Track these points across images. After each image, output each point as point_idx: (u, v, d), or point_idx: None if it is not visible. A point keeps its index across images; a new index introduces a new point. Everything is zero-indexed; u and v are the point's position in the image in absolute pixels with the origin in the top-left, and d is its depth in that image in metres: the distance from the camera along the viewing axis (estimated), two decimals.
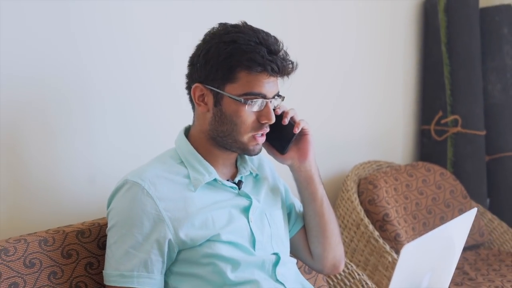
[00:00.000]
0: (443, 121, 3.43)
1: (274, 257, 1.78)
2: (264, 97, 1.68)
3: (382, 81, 3.41)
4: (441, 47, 3.40)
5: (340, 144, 3.17)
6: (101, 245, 1.80)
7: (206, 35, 1.74)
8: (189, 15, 2.38)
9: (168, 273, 1.70)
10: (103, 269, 1.70)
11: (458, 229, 1.65)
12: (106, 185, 1.97)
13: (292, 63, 1.71)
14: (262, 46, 1.65)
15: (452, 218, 3.03)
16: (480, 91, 3.42)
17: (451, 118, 3.40)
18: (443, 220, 3.07)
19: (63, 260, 1.73)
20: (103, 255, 1.73)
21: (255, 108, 1.69)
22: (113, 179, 1.80)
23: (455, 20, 3.36)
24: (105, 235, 1.74)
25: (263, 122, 1.71)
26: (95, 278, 1.77)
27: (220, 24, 1.74)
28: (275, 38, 1.71)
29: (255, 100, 1.68)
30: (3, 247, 1.64)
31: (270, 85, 1.69)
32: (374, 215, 2.82)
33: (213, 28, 1.74)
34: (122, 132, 2.21)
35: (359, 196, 2.88)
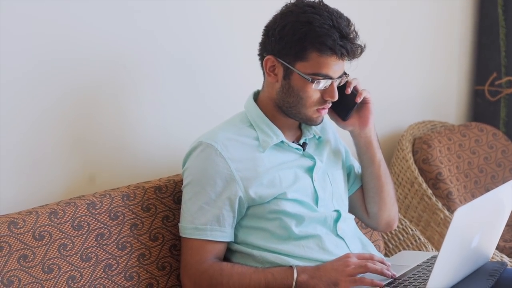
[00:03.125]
0: (497, 82, 3.50)
1: (335, 213, 1.93)
2: (330, 77, 1.80)
3: (437, 42, 3.48)
4: (498, 9, 3.44)
5: (395, 104, 3.26)
6: (177, 200, 1.95)
7: (284, 8, 1.84)
8: None
9: (237, 227, 1.86)
10: (178, 222, 1.87)
11: (508, 194, 1.77)
12: (178, 146, 2.13)
13: (361, 47, 1.82)
14: (335, 29, 1.75)
15: (503, 177, 3.15)
16: None
17: (505, 79, 3.47)
18: (494, 179, 3.17)
19: (143, 213, 1.90)
20: (179, 209, 1.89)
21: (321, 86, 1.81)
22: (184, 141, 1.98)
23: None
24: (180, 191, 1.90)
25: (326, 99, 1.83)
26: (171, 230, 1.94)
27: (298, 0, 1.84)
28: (347, 20, 1.81)
29: (322, 80, 1.80)
30: (91, 201, 1.82)
31: (337, 66, 1.80)
32: (427, 174, 2.94)
33: (290, 3, 1.84)
34: (191, 96, 2.34)
35: (413, 155, 2.99)
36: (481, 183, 3.13)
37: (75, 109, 2.03)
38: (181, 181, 1.91)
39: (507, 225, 2.95)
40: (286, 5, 1.85)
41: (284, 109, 1.87)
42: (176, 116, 2.30)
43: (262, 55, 1.88)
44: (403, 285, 1.74)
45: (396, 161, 3.00)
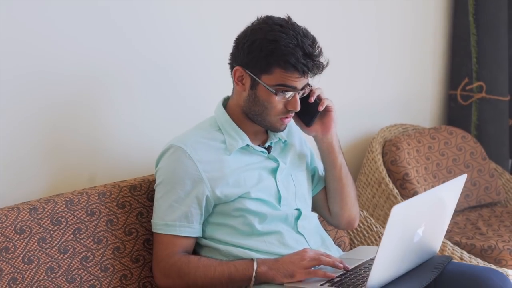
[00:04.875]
0: (468, 87, 3.67)
1: (296, 212, 2.09)
2: (293, 90, 1.96)
3: (413, 48, 3.64)
4: (469, 18, 3.61)
5: (370, 107, 3.41)
6: (150, 197, 2.11)
7: (255, 23, 2.00)
8: None
9: (205, 223, 2.02)
10: (151, 218, 2.03)
11: (449, 192, 1.93)
12: (152, 147, 2.28)
13: (323, 65, 1.97)
14: (299, 48, 1.90)
15: (471, 177, 3.32)
16: (505, 59, 3.64)
17: (476, 84, 3.64)
18: None
19: (118, 210, 2.06)
20: (152, 206, 2.05)
21: (284, 98, 1.97)
22: (158, 142, 2.14)
23: None
24: (154, 189, 2.06)
25: (289, 109, 1.99)
26: (145, 225, 2.10)
27: (267, 17, 1.99)
28: (313, 39, 1.96)
29: (285, 92, 1.96)
30: (69, 199, 1.98)
31: (300, 80, 1.96)
32: (395, 174, 3.11)
33: (261, 19, 2.00)
34: (164, 100, 2.50)
35: (383, 157, 3.15)
36: None
37: (55, 115, 2.19)
38: (155, 180, 2.06)
39: (471, 223, 3.15)
40: (257, 20, 2.01)
41: (250, 116, 2.04)
42: (150, 119, 2.46)
43: (232, 65, 2.04)
44: (353, 276, 1.90)
45: (366, 162, 3.17)
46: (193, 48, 2.58)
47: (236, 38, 2.03)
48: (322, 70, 1.99)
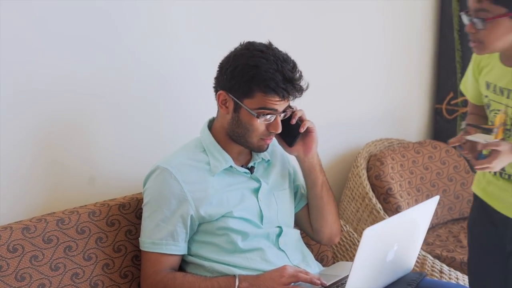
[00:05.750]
0: (453, 102, 3.77)
1: (277, 229, 2.19)
2: (274, 113, 2.06)
3: (398, 63, 3.71)
4: (454, 33, 3.71)
5: (356, 122, 3.50)
6: (139, 215, 2.21)
7: (237, 48, 2.10)
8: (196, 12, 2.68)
9: (190, 241, 2.12)
10: (139, 235, 2.12)
11: (421, 213, 2.03)
12: (142, 167, 2.35)
13: (303, 89, 2.06)
14: (279, 73, 2.00)
15: (454, 191, 3.41)
16: None
17: (461, 99, 3.72)
18: (445, 192, 3.43)
19: (107, 228, 2.16)
20: (140, 223, 2.15)
21: (266, 120, 2.07)
22: (147, 162, 2.23)
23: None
24: (142, 208, 2.16)
25: (271, 131, 2.09)
26: (133, 242, 2.20)
27: (249, 43, 2.09)
28: (293, 64, 2.06)
29: (267, 115, 2.05)
30: (60, 218, 2.08)
31: (281, 104, 2.05)
32: (379, 189, 3.20)
33: (243, 45, 2.10)
34: (155, 123, 2.59)
35: (367, 171, 3.25)
36: (432, 197, 3.38)
37: (49, 135, 2.28)
38: (143, 199, 2.16)
39: (452, 236, 3.23)
40: (240, 45, 2.11)
41: (234, 137, 2.13)
42: (140, 140, 2.55)
43: (216, 88, 2.14)
44: None
45: (351, 176, 3.26)
46: (186, 70, 2.67)
47: (220, 63, 2.13)
48: (302, 93, 2.08)
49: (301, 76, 2.07)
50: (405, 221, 1.97)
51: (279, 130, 2.09)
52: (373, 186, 3.21)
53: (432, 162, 3.47)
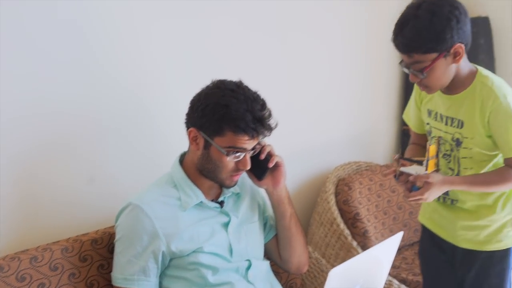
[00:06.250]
0: None
1: (247, 262, 2.24)
2: (243, 151, 2.12)
3: (366, 86, 3.80)
4: None
5: (325, 146, 3.56)
6: (111, 249, 2.25)
7: (210, 86, 2.15)
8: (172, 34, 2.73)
9: (162, 276, 2.16)
10: (111, 269, 2.16)
11: (386, 249, 2.09)
12: (115, 200, 2.40)
13: (271, 127, 2.12)
14: (249, 113, 2.05)
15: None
16: None
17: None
18: (411, 214, 3.50)
19: (80, 263, 2.20)
20: (112, 257, 2.18)
21: (235, 158, 2.12)
22: (120, 195, 2.28)
23: None
24: (114, 243, 2.19)
25: (240, 168, 2.15)
26: (105, 276, 2.24)
27: (220, 82, 2.14)
28: (262, 103, 2.12)
29: (236, 152, 2.11)
30: (33, 255, 2.12)
31: (250, 142, 2.11)
32: (347, 214, 3.27)
33: (214, 83, 2.15)
34: (127, 155, 2.63)
35: (336, 196, 3.32)
36: (399, 219, 3.46)
37: (24, 167, 2.31)
38: (115, 233, 2.19)
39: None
40: (212, 83, 2.16)
41: (204, 173, 2.19)
42: (112, 173, 2.59)
43: (187, 125, 2.19)
44: None
45: (320, 201, 3.32)
46: (166, 101, 2.72)
47: (191, 101, 2.18)
48: (271, 132, 2.14)
49: (270, 114, 2.13)
50: (369, 258, 2.03)
51: (248, 167, 2.15)
52: (341, 211, 3.27)
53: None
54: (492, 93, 2.18)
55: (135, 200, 2.14)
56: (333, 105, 3.62)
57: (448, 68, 2.14)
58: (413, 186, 2.20)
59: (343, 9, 3.55)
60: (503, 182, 2.23)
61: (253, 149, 2.15)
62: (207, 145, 2.13)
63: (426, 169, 2.19)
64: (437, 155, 2.26)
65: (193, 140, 2.16)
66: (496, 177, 2.25)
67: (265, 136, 2.14)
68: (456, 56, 2.13)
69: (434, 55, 2.09)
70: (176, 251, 2.12)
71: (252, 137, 2.09)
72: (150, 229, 2.10)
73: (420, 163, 2.22)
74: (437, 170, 2.25)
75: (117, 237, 2.17)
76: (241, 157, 2.13)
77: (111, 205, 2.44)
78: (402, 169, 2.19)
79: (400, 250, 3.43)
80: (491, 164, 2.29)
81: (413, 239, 3.49)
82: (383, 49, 3.83)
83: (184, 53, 2.74)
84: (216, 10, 2.84)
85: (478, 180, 2.25)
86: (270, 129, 2.13)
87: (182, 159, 2.27)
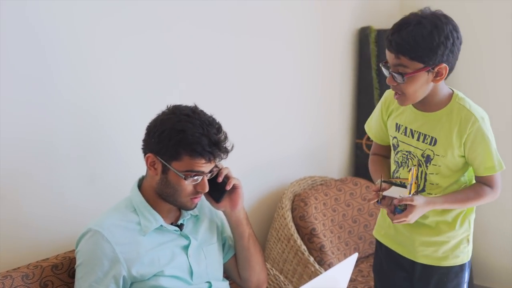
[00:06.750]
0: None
1: (207, 284, 2.28)
2: (201, 174, 2.16)
3: (320, 102, 3.87)
4: (372, 73, 3.89)
5: (280, 162, 3.61)
6: (72, 275, 2.27)
7: (165, 112, 2.19)
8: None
9: None
10: None
11: (342, 270, 2.14)
12: (75, 224, 2.43)
13: (228, 150, 2.17)
14: (205, 137, 2.10)
15: (374, 225, 3.54)
16: None
17: None
18: (366, 227, 3.58)
19: None
20: (73, 282, 2.20)
21: (193, 181, 2.17)
22: (80, 220, 2.30)
23: (383, 50, 3.82)
24: (75, 268, 2.21)
25: (199, 190, 2.19)
26: None
27: (175, 107, 2.18)
28: (218, 126, 2.16)
29: (194, 176, 2.15)
30: None
31: (207, 166, 2.16)
32: (303, 229, 3.32)
33: (170, 109, 2.19)
34: (85, 178, 2.64)
35: (292, 212, 3.37)
36: (354, 232, 3.53)
37: None
38: (75, 257, 2.21)
39: None
40: (167, 108, 2.20)
41: (163, 197, 2.22)
42: (71, 196, 2.60)
43: (144, 151, 2.22)
44: None
45: (277, 217, 3.37)
46: (125, 126, 2.73)
47: (148, 127, 2.21)
48: (227, 155, 2.19)
49: (226, 138, 2.17)
50: (326, 280, 2.08)
51: (206, 190, 2.19)
52: (298, 227, 3.33)
53: (354, 199, 3.62)
54: (472, 116, 2.24)
55: (95, 226, 2.16)
56: (288, 121, 3.66)
57: (426, 84, 2.18)
58: (396, 208, 2.25)
59: (297, 26, 3.60)
60: (478, 198, 2.30)
61: (210, 172, 2.19)
62: (165, 170, 2.16)
63: (410, 192, 2.25)
64: (416, 177, 2.32)
65: (151, 165, 2.19)
66: (471, 193, 2.31)
67: (221, 158, 2.18)
68: (437, 76, 2.17)
69: (419, 65, 2.12)
70: (137, 275, 2.15)
71: (209, 160, 2.14)
72: (110, 254, 2.13)
73: (401, 185, 2.27)
74: (417, 192, 2.31)
75: (78, 262, 2.18)
76: (199, 180, 2.17)
77: (71, 229, 2.47)
78: (385, 193, 2.24)
79: (356, 262, 3.49)
80: (453, 180, 2.35)
81: (368, 251, 3.56)
82: (336, 65, 3.93)
83: (142, 77, 2.77)
84: (174, 34, 2.89)
85: (457, 198, 2.31)
86: (226, 151, 2.17)
87: (141, 184, 2.30)
